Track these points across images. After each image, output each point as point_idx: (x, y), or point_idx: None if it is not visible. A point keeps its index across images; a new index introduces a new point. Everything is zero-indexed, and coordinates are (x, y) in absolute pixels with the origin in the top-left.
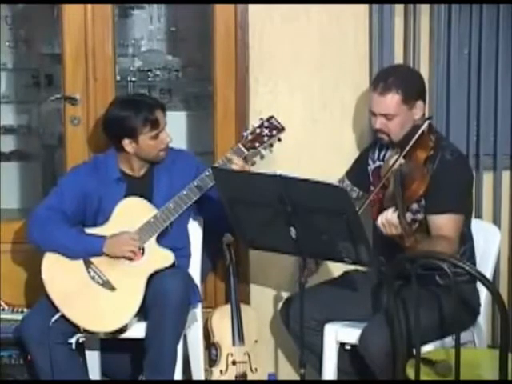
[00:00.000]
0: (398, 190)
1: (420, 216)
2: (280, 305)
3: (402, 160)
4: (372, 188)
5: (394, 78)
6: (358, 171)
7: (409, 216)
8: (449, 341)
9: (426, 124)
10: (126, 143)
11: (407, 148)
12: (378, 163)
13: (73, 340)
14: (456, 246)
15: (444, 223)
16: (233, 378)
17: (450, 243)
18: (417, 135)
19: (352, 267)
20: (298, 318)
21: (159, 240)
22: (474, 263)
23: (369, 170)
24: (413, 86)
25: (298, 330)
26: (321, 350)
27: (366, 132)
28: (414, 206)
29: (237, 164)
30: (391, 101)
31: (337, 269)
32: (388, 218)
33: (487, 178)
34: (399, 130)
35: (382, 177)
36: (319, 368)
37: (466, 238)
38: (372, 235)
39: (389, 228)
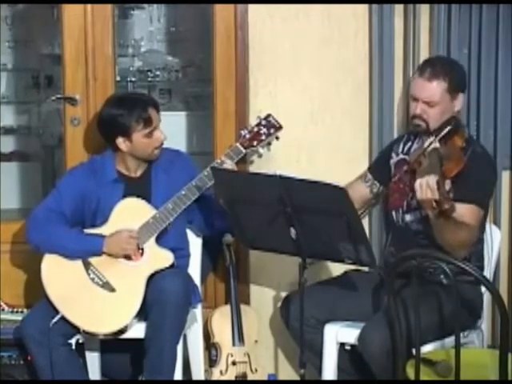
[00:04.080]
0: (437, 163)
1: None
2: (280, 303)
3: (437, 144)
4: (394, 179)
5: (441, 65)
6: (380, 166)
7: (447, 184)
8: (449, 341)
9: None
10: (120, 141)
11: (444, 132)
12: (401, 156)
13: (73, 341)
14: (475, 237)
15: (468, 212)
16: (233, 379)
17: (472, 232)
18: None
19: (353, 267)
20: (298, 316)
21: (158, 240)
22: (480, 267)
23: (391, 164)
24: (458, 77)
25: (297, 327)
26: (320, 348)
27: (365, 131)
28: None
29: (230, 165)
30: (437, 87)
31: (337, 269)
32: (428, 181)
33: None
34: (438, 119)
35: (412, 161)
36: (319, 366)
37: (477, 240)
38: (384, 226)
39: (426, 190)
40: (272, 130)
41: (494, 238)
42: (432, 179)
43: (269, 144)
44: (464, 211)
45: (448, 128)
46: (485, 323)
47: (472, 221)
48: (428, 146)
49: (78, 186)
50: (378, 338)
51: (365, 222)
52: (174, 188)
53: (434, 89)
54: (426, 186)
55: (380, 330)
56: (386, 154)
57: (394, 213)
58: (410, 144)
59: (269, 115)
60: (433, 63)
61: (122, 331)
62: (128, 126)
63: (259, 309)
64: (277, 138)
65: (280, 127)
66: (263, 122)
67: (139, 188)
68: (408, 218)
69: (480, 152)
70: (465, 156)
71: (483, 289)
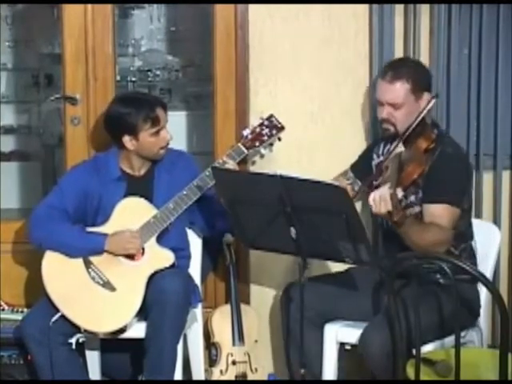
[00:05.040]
0: (394, 169)
1: (417, 209)
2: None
3: (402, 147)
4: (374, 182)
5: (403, 67)
6: (362, 165)
7: (399, 192)
8: (449, 341)
9: (431, 103)
10: (127, 140)
11: (408, 132)
12: (381, 158)
13: (73, 340)
14: (448, 237)
15: (438, 212)
16: (233, 378)
17: (443, 231)
18: (422, 114)
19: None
20: (299, 306)
21: (159, 240)
22: (474, 263)
23: (373, 165)
24: (421, 77)
25: (297, 318)
26: (317, 349)
27: (366, 131)
28: (412, 198)
29: (232, 165)
30: (400, 89)
31: (337, 268)
32: (381, 193)
33: (487, 178)
34: (405, 120)
35: (382, 165)
36: (313, 368)
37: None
38: (372, 229)
39: (379, 204)
40: (274, 131)
41: (494, 238)
42: (385, 191)
43: (271, 145)
44: (435, 212)
45: (409, 131)
46: (485, 323)
47: (443, 221)
48: (393, 151)
49: (81, 184)
50: (379, 340)
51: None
52: (176, 188)
53: (398, 90)
54: (379, 200)
55: (381, 332)
56: (368, 154)
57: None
58: (389, 145)
59: (271, 116)
60: (394, 65)
61: (122, 330)
62: (135, 125)
63: (259, 308)
64: (279, 138)
65: (282, 128)
66: (265, 123)
67: (141, 187)
68: None
69: (449, 152)
70: (432, 156)
71: (479, 286)
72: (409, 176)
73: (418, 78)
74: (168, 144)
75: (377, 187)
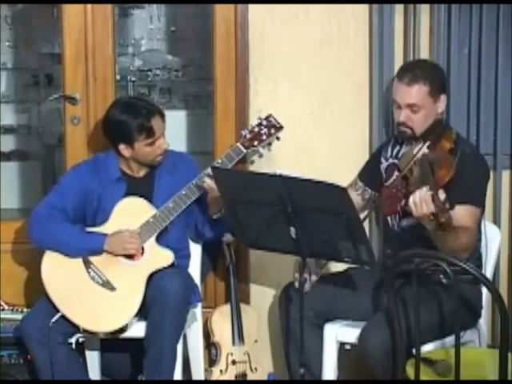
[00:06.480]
0: (428, 172)
1: None
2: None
3: (425, 149)
4: (386, 184)
5: (420, 69)
6: (370, 172)
7: (442, 194)
8: (449, 340)
9: None
10: (122, 148)
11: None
12: (391, 160)
13: (73, 340)
14: (475, 239)
15: (464, 214)
16: (233, 378)
17: (471, 234)
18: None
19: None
20: (299, 305)
21: (159, 240)
22: (480, 265)
23: (381, 169)
24: (438, 78)
25: (297, 317)
26: (317, 349)
27: (366, 131)
28: None
29: (208, 184)
30: (418, 91)
31: (337, 266)
32: (422, 196)
33: None
34: (423, 123)
35: (403, 168)
36: (313, 368)
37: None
38: (382, 230)
39: (421, 206)
40: (273, 131)
41: (494, 238)
42: (425, 193)
43: (269, 144)
44: (460, 213)
45: (435, 134)
46: (485, 323)
47: (471, 223)
48: (417, 153)
49: (82, 183)
50: (379, 338)
51: (365, 224)
52: (176, 190)
53: (416, 93)
54: (420, 202)
55: (380, 331)
56: (375, 159)
57: (389, 218)
58: (398, 148)
59: (269, 115)
60: (411, 68)
61: (122, 330)
62: (130, 135)
63: (259, 308)
64: (277, 138)
65: (281, 127)
66: (264, 123)
67: (141, 188)
68: (404, 223)
69: (469, 152)
70: (455, 159)
71: (483, 288)
72: (442, 178)
73: (436, 79)
74: (165, 152)
75: (388, 188)
